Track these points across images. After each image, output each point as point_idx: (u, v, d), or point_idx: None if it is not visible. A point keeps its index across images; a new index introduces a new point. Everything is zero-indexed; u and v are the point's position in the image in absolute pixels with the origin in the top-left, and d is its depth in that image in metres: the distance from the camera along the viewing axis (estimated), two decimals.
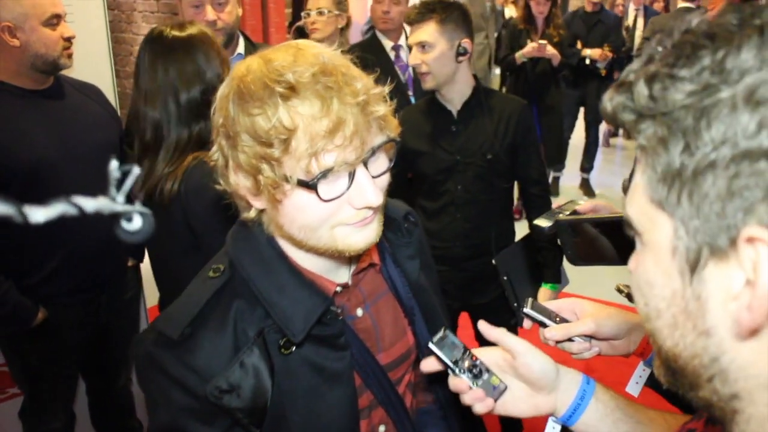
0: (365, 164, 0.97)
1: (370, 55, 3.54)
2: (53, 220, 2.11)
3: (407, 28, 3.75)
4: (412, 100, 3.61)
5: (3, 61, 2.07)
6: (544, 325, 1.17)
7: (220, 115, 0.97)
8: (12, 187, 2.02)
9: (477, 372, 0.97)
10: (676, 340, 0.56)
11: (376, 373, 1.13)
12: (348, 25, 3.53)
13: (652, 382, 1.17)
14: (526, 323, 1.22)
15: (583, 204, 1.45)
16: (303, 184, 0.92)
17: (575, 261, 1.29)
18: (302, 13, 3.44)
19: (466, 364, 0.98)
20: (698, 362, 0.55)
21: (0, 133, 2.02)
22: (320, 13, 3.33)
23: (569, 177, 6.43)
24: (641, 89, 0.52)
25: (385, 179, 1.02)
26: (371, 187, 0.96)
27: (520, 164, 2.40)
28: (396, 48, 3.62)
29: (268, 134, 0.90)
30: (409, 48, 2.37)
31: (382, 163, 1.01)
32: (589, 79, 5.92)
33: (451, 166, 2.37)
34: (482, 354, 1.00)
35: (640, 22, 6.94)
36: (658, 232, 0.54)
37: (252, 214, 1.04)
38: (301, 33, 3.47)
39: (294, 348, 1.03)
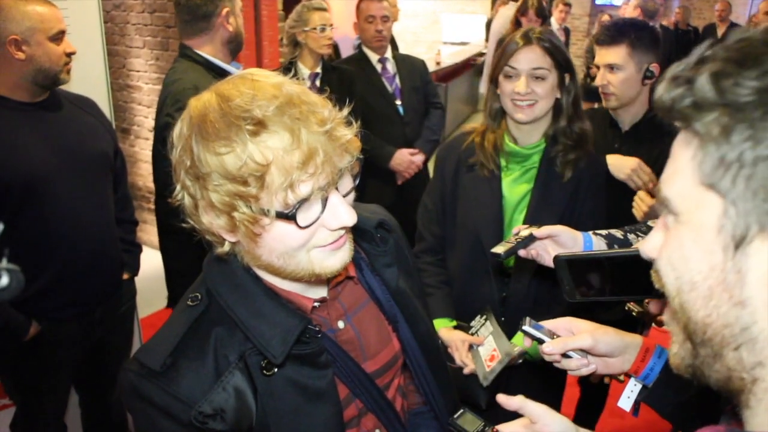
0: (336, 187, 1.00)
1: (359, 69, 3.62)
2: (43, 236, 2.12)
3: (398, 43, 3.82)
4: (400, 110, 3.68)
5: (4, 74, 2.08)
6: (541, 342, 1.20)
7: (185, 156, 0.96)
8: (9, 199, 2.03)
9: None
10: (710, 311, 0.61)
11: (363, 381, 1.16)
12: None
13: (645, 398, 1.20)
14: (526, 341, 1.25)
15: (540, 229, 1.47)
16: (282, 216, 0.94)
17: (573, 296, 1.30)
18: (309, 28, 3.41)
19: None
20: (728, 331, 0.60)
21: None
22: (331, 29, 3.46)
23: None
24: (704, 83, 0.58)
25: (352, 197, 1.05)
26: (344, 207, 1.00)
27: None
28: (382, 61, 3.72)
29: (241, 172, 0.90)
30: (597, 67, 2.34)
31: (347, 182, 1.04)
32: None
33: None
34: (504, 427, 1.05)
35: None
36: (703, 211, 0.60)
37: (226, 248, 1.04)
38: (296, 45, 3.49)
39: (276, 369, 1.05)
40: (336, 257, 1.04)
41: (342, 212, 0.99)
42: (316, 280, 1.07)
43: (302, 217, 0.95)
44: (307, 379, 1.07)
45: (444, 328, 2.01)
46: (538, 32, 1.89)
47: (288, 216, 0.94)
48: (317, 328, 1.09)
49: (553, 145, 1.96)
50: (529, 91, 1.87)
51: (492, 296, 2.00)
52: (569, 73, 1.93)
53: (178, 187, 1.01)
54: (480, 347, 1.93)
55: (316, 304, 1.13)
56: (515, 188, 1.98)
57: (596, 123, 2.43)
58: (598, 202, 2.02)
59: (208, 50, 2.45)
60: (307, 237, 0.99)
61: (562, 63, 1.89)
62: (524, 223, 1.93)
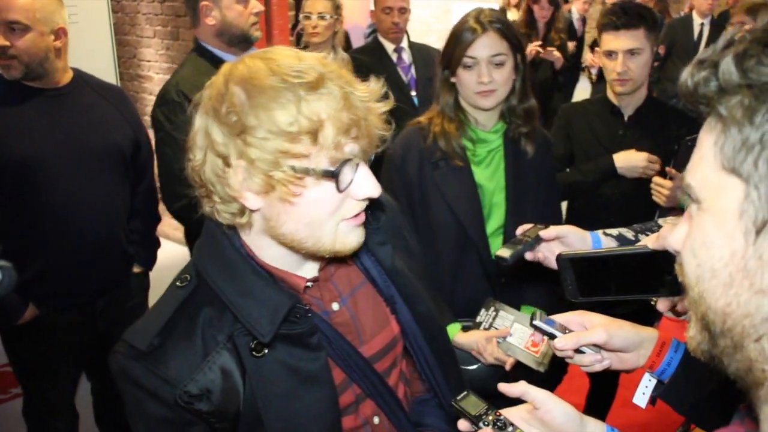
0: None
1: (374, 58, 3.58)
2: (38, 221, 2.11)
3: (409, 32, 3.77)
4: (415, 100, 3.64)
5: None
6: (553, 337, 1.17)
7: (231, 112, 0.94)
8: (3, 180, 2.04)
9: (501, 425, 1.01)
10: (730, 300, 0.59)
11: (361, 366, 1.13)
12: (338, 30, 3.57)
13: (661, 394, 1.17)
14: (536, 336, 1.21)
15: (548, 230, 1.43)
16: (328, 173, 0.95)
17: (575, 296, 1.27)
18: (301, 16, 3.44)
19: (490, 418, 1.03)
20: (749, 322, 0.58)
21: None
22: (322, 18, 3.36)
23: None
24: (728, 65, 0.56)
25: None
26: (372, 179, 1.02)
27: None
28: (398, 50, 3.66)
29: (291, 128, 0.91)
30: (609, 53, 2.29)
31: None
32: None
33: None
34: (507, 411, 1.04)
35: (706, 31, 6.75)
36: (725, 196, 0.58)
37: (244, 219, 1.02)
38: (300, 37, 3.47)
39: (266, 350, 1.03)
40: (355, 234, 1.05)
41: (370, 183, 1.01)
42: (314, 257, 1.07)
43: (340, 180, 0.97)
44: (299, 361, 1.05)
45: (457, 334, 1.92)
46: (489, 15, 1.85)
47: (333, 173, 0.95)
48: (307, 307, 1.07)
49: (509, 124, 1.96)
50: (491, 80, 1.83)
51: (488, 287, 1.96)
52: (521, 53, 1.91)
53: (200, 153, 0.99)
54: (508, 338, 1.82)
55: (309, 283, 1.11)
56: (486, 173, 1.96)
57: (596, 112, 2.46)
58: (552, 177, 2.08)
59: (210, 41, 2.42)
60: (338, 203, 1.00)
61: (516, 45, 1.87)
62: (506, 207, 1.94)
